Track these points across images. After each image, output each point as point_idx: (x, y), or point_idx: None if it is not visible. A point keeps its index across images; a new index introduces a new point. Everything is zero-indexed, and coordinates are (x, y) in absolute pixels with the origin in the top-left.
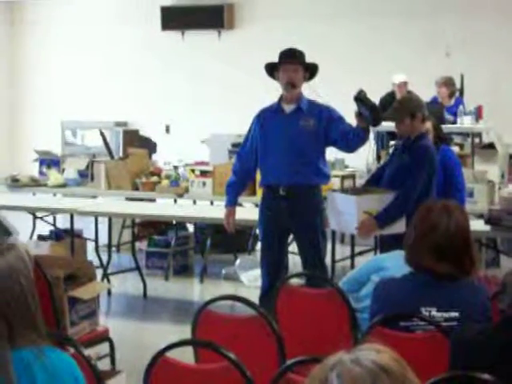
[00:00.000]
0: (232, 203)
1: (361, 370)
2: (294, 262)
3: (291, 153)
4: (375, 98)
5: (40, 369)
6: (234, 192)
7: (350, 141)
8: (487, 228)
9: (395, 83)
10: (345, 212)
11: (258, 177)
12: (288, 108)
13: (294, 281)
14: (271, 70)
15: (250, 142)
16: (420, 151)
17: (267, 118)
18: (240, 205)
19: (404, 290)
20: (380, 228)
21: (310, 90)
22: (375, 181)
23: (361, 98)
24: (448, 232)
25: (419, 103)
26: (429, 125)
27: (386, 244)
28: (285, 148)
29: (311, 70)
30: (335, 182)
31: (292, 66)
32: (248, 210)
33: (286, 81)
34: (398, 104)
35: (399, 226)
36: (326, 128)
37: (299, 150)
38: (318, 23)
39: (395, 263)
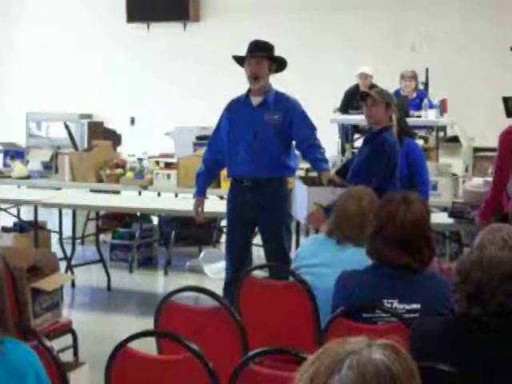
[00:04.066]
0: (201, 192)
1: (373, 371)
2: (259, 254)
3: (256, 145)
4: (340, 91)
5: (0, 361)
6: (203, 181)
7: (307, 155)
8: (451, 221)
9: (359, 74)
10: (299, 199)
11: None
12: (255, 101)
13: (258, 273)
14: (242, 62)
15: (219, 132)
16: (378, 145)
17: (235, 110)
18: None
19: (366, 282)
20: None
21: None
22: (343, 173)
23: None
24: (405, 222)
25: (394, 101)
26: (393, 118)
27: None
28: (250, 140)
29: (279, 63)
30: (300, 175)
31: (255, 58)
32: (213, 202)
33: (249, 73)
34: (380, 90)
35: None
36: (289, 123)
37: (263, 143)
38: (285, 16)
39: (307, 248)
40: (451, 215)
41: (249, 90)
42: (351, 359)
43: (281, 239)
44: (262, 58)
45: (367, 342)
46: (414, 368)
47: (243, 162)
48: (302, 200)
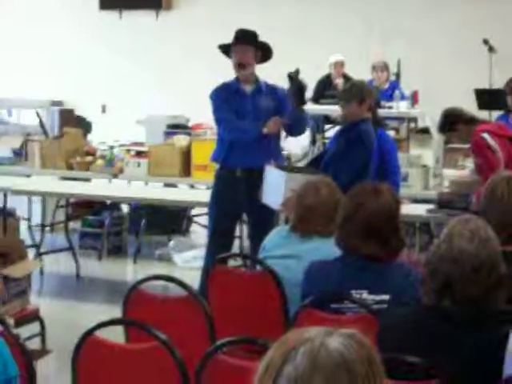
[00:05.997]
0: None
1: (326, 358)
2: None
3: None
4: (312, 82)
5: None
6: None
7: (298, 126)
8: (422, 212)
9: (331, 63)
10: (274, 187)
11: (205, 157)
12: (248, 89)
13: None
14: (228, 52)
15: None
16: (356, 135)
17: (227, 98)
18: (174, 186)
19: (335, 273)
20: None
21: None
22: (317, 164)
23: (292, 76)
24: (374, 211)
25: (369, 91)
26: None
27: None
28: None
29: (264, 50)
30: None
31: (241, 47)
32: (182, 191)
33: (235, 62)
34: (350, 86)
35: None
36: (281, 109)
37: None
38: (256, 5)
39: (272, 240)
40: (440, 206)
41: (237, 79)
42: (306, 346)
43: (270, 229)
44: (247, 46)
45: (327, 331)
46: (376, 358)
47: (238, 152)
48: (278, 186)
